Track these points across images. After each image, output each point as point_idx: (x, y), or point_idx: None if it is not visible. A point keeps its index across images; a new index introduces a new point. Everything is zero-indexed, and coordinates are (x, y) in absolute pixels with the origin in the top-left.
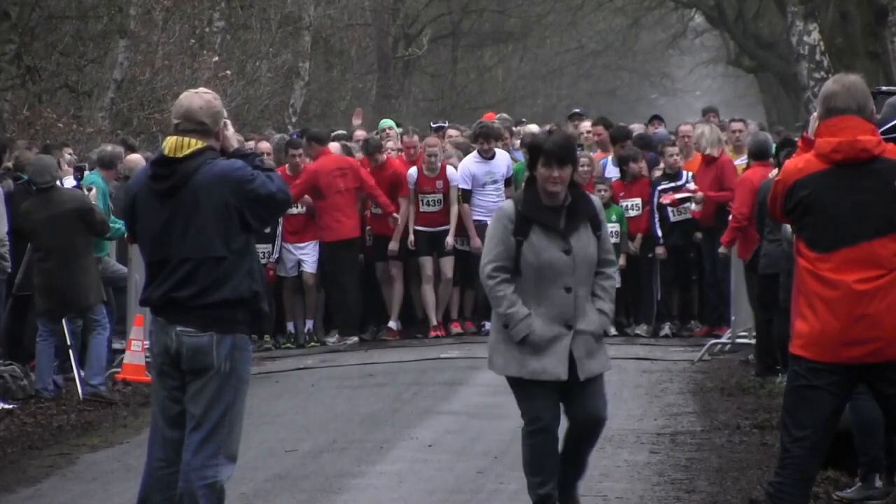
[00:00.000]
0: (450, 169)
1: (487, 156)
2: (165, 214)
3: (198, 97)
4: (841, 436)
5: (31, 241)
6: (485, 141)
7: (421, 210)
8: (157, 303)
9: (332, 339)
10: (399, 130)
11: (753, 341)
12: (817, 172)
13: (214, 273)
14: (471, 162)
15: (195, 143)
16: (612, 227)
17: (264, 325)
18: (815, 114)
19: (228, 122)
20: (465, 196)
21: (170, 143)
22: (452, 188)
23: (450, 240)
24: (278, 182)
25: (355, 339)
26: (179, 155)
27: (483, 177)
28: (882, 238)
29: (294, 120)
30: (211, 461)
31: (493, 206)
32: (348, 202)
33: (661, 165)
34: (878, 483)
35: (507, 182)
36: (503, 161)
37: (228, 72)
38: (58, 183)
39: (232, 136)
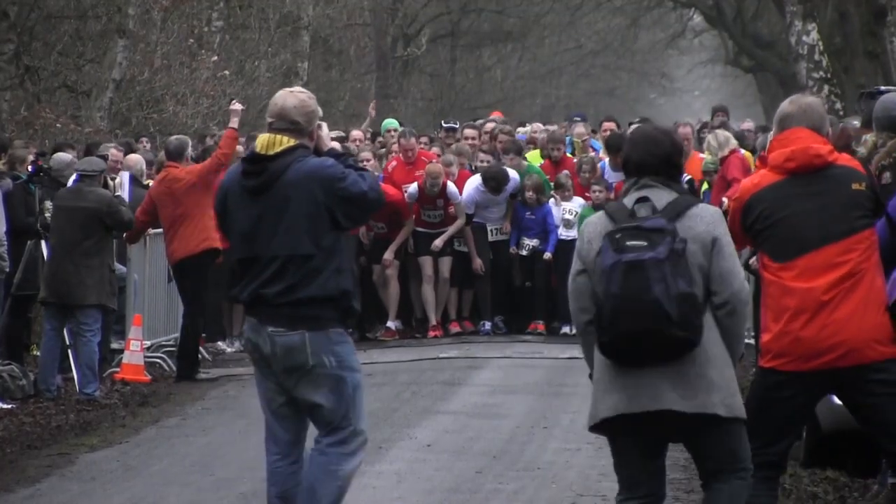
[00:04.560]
0: (450, 187)
1: (495, 195)
2: (255, 211)
3: (292, 96)
4: (841, 436)
5: (48, 230)
6: (495, 188)
7: (422, 218)
8: (247, 300)
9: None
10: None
11: (753, 341)
12: (773, 184)
13: (302, 270)
14: (475, 190)
15: (287, 141)
16: None
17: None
18: (770, 134)
19: (324, 123)
20: (469, 217)
21: (262, 141)
22: (457, 206)
23: (438, 242)
24: (370, 181)
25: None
26: (271, 152)
27: (486, 202)
28: (841, 241)
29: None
30: (335, 448)
31: (493, 216)
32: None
33: None
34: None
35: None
36: (508, 189)
37: (227, 72)
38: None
39: (326, 136)
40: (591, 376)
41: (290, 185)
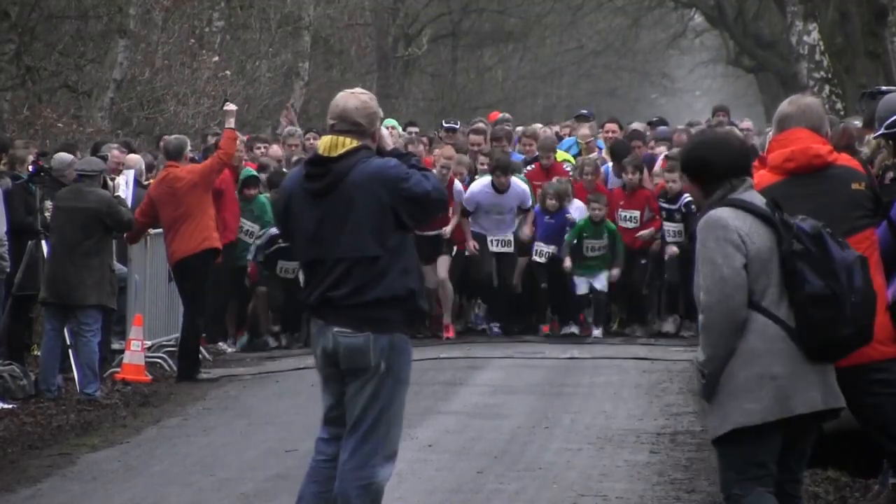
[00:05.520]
0: (457, 185)
1: (501, 189)
2: (319, 214)
3: (354, 97)
4: (842, 436)
5: (48, 230)
6: (502, 174)
7: None
8: (314, 303)
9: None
10: (400, 131)
11: None
12: (772, 185)
13: (369, 272)
14: (481, 190)
15: (349, 143)
16: (602, 243)
17: (421, 323)
18: (769, 134)
19: (384, 128)
20: (465, 211)
21: (324, 143)
22: (456, 204)
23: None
24: (434, 181)
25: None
26: (334, 154)
27: (488, 206)
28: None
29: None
30: (367, 462)
31: (492, 226)
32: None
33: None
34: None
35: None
36: (515, 195)
37: (228, 72)
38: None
39: (387, 136)
40: (706, 374)
41: (354, 186)
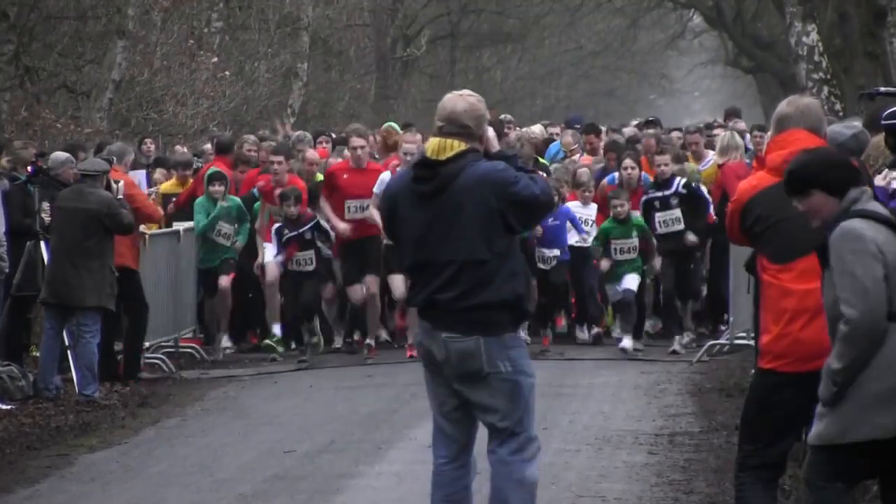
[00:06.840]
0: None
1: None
2: (428, 216)
3: (461, 100)
4: None
5: (47, 231)
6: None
7: None
8: (421, 305)
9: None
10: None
11: (752, 342)
12: (771, 186)
13: (477, 275)
14: None
15: (458, 146)
16: (632, 243)
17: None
18: (768, 134)
19: (490, 128)
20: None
21: (432, 145)
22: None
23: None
24: (542, 184)
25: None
26: (442, 157)
27: None
28: None
29: (293, 121)
30: (516, 457)
31: None
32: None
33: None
34: None
35: None
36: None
37: (227, 72)
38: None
39: (493, 138)
40: (838, 383)
41: (463, 189)
